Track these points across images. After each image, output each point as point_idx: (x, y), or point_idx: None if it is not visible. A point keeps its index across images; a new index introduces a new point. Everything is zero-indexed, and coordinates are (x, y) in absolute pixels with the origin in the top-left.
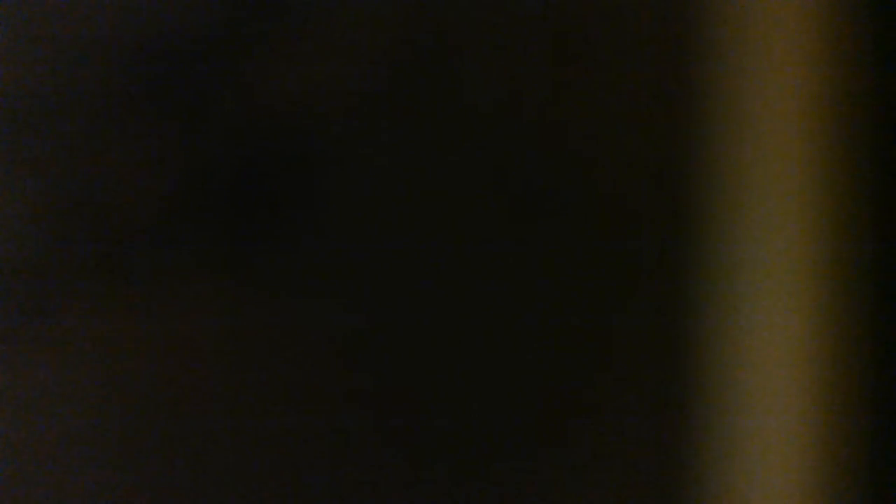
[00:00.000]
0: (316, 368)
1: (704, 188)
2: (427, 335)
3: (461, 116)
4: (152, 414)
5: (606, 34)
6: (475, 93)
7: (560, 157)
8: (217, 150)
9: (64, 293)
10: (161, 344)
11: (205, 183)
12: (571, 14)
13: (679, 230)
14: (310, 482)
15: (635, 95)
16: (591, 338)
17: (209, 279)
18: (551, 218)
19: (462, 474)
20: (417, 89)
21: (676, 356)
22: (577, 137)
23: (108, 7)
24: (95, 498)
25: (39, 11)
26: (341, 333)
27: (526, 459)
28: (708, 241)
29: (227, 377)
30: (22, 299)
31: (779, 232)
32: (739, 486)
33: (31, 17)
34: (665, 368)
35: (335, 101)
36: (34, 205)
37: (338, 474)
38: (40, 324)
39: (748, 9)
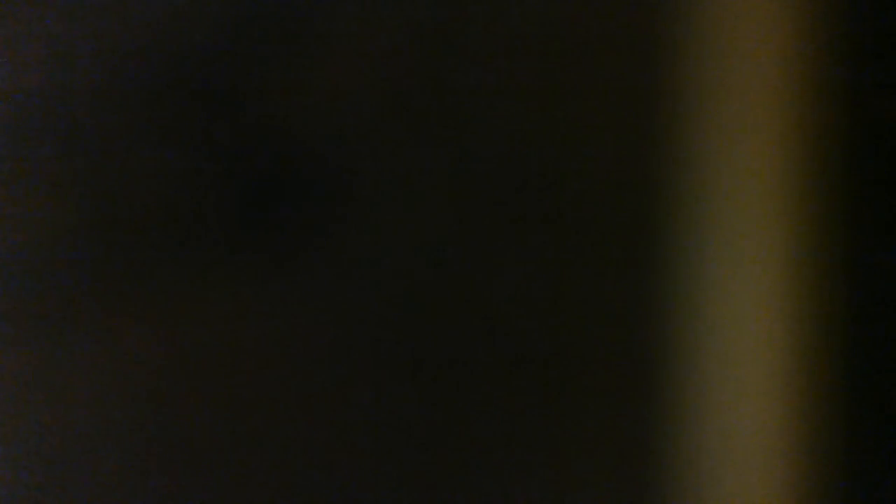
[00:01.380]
0: (335, 376)
1: (679, 184)
2: (423, 331)
3: (464, 114)
4: (168, 422)
5: (581, 33)
6: (481, 94)
7: (536, 159)
8: (221, 151)
9: (67, 297)
10: (175, 352)
11: (210, 185)
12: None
13: (652, 226)
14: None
15: (608, 94)
16: (563, 335)
17: (219, 285)
18: (531, 217)
19: (446, 468)
20: (431, 90)
21: (649, 354)
22: (556, 137)
23: (111, 7)
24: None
25: (40, 11)
26: (359, 340)
27: (495, 453)
28: (681, 236)
29: (242, 385)
30: (29, 303)
31: (752, 229)
32: (713, 483)
33: (31, 17)
34: (637, 366)
35: (349, 106)
36: (38, 207)
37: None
38: (46, 329)
39: (723, 7)
